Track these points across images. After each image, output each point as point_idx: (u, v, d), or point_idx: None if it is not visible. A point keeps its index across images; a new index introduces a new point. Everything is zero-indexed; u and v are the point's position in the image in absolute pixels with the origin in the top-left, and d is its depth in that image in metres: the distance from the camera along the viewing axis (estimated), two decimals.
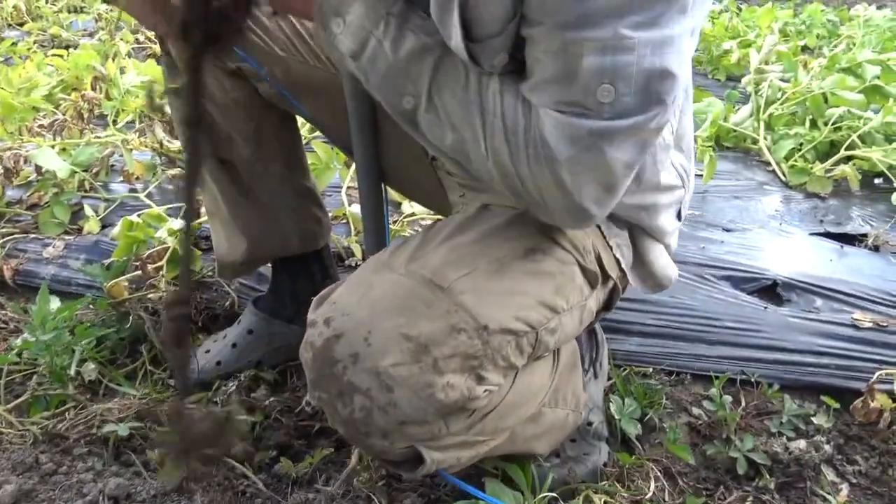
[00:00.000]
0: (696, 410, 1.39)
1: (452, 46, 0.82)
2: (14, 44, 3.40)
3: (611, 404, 1.33)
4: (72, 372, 1.36)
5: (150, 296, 1.57)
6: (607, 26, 0.72)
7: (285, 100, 1.32)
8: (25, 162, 2.03)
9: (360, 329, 0.82)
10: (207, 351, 1.48)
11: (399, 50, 0.83)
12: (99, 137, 2.14)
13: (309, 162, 1.53)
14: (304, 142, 1.56)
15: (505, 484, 1.13)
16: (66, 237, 1.85)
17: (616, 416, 1.32)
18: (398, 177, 1.27)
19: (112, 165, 2.09)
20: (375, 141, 1.13)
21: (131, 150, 2.06)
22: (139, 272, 1.58)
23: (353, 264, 1.77)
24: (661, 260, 1.12)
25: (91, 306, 1.55)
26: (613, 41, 0.73)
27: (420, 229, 1.48)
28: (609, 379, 1.41)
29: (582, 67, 0.74)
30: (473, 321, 0.84)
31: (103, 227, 1.88)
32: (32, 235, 1.85)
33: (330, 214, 1.64)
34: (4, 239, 1.81)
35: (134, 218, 1.72)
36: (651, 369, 1.49)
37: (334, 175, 1.93)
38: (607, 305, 1.11)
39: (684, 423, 1.37)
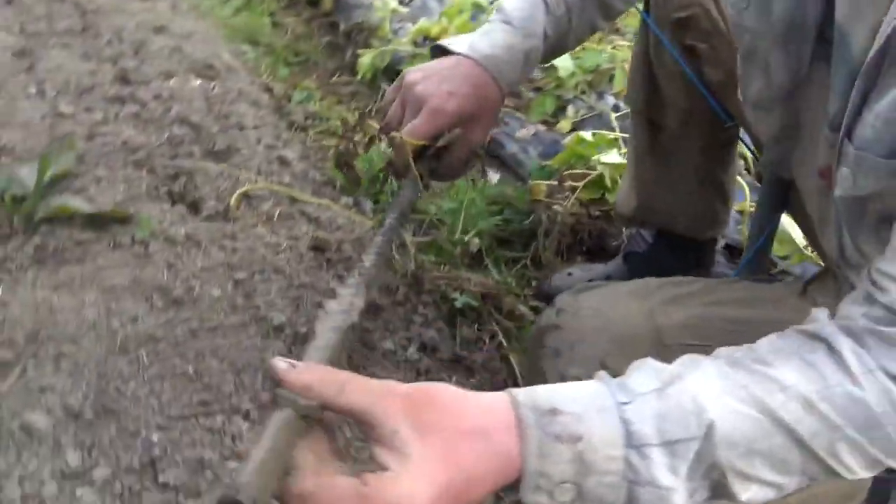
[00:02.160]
0: None
1: None
2: None
3: None
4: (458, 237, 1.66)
5: (555, 206, 1.76)
6: None
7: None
8: None
9: (575, 335, 0.89)
10: (570, 274, 1.65)
11: None
12: (616, 48, 2.31)
13: None
14: None
15: None
16: (541, 126, 2.12)
17: None
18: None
19: (611, 78, 2.26)
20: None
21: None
22: (557, 183, 1.77)
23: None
24: None
25: (511, 191, 1.82)
26: None
27: None
28: None
29: None
30: None
31: (572, 129, 2.10)
32: (520, 114, 2.17)
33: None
34: (504, 111, 2.15)
35: (587, 135, 1.89)
36: None
37: None
38: None
39: None
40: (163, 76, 2.09)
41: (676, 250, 1.54)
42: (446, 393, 0.60)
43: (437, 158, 1.17)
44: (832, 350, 0.62)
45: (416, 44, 2.49)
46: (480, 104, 1.13)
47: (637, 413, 0.59)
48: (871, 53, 0.72)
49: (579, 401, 0.59)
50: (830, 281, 0.96)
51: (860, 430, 0.60)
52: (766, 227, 1.36)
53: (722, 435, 0.59)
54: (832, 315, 0.68)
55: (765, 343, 0.66)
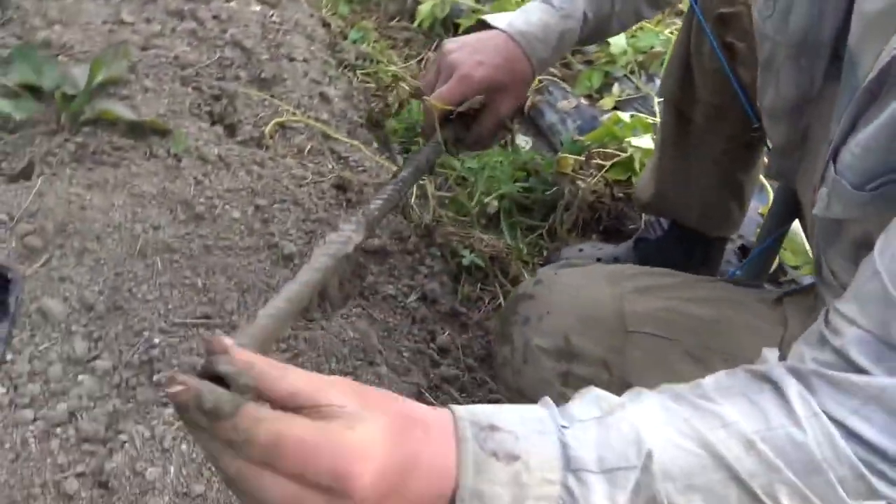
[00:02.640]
0: None
1: None
2: None
3: None
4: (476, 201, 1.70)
5: (579, 181, 1.79)
6: None
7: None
8: None
9: (546, 307, 0.93)
10: (581, 250, 1.68)
11: None
12: (674, 33, 2.28)
13: None
14: None
15: None
16: (584, 100, 2.13)
17: None
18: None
19: (664, 62, 2.24)
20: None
21: None
22: (585, 159, 1.79)
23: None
24: None
25: (539, 160, 1.85)
26: None
27: None
28: None
29: None
30: (619, 378, 0.88)
31: (614, 107, 2.11)
32: (565, 85, 2.17)
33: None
34: (543, 81, 2.16)
35: (625, 116, 1.90)
36: None
37: None
38: None
39: None
40: None
41: (685, 243, 1.55)
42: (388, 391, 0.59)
43: (465, 127, 1.22)
44: (778, 392, 0.61)
45: None
46: (510, 76, 1.17)
47: (576, 438, 0.57)
48: (866, 81, 0.73)
49: (519, 422, 0.58)
50: (810, 298, 0.98)
51: (799, 474, 0.58)
52: (773, 232, 1.38)
53: (661, 466, 0.57)
54: (783, 356, 0.66)
55: (711, 380, 0.64)
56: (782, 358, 0.66)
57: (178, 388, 0.50)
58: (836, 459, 0.58)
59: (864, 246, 0.83)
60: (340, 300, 1.38)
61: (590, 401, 0.61)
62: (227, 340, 0.53)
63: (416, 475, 0.54)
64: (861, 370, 0.58)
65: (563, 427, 0.58)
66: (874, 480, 0.57)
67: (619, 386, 0.89)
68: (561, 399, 0.87)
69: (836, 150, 0.78)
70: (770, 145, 1.45)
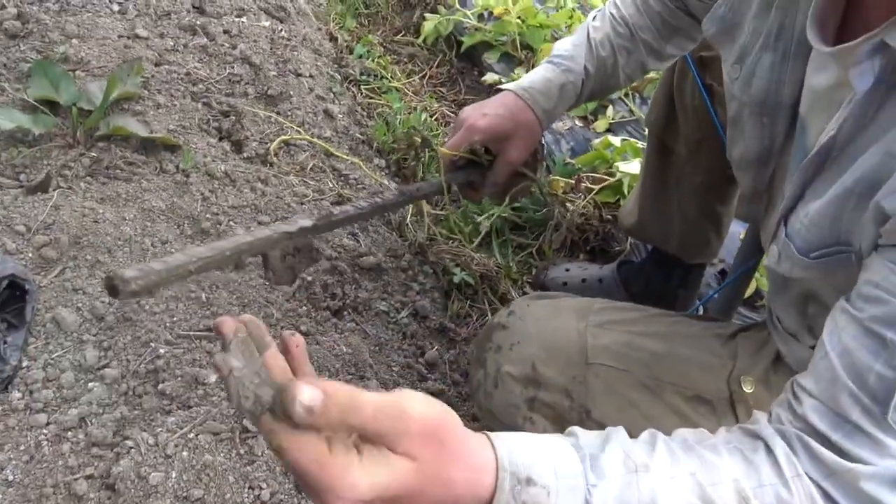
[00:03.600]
0: None
1: None
2: None
3: None
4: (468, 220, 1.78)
5: (568, 203, 1.87)
6: None
7: None
8: None
9: (516, 336, 1.02)
10: (567, 269, 1.76)
11: None
12: None
13: None
14: None
15: None
16: (578, 123, 2.21)
17: None
18: None
19: None
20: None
21: None
22: (575, 182, 1.87)
23: None
24: None
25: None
26: None
27: None
28: None
29: None
30: (580, 406, 0.96)
31: (607, 129, 2.18)
32: None
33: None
34: None
35: (616, 140, 1.97)
36: None
37: None
38: None
39: None
40: (236, 12, 2.23)
41: (665, 268, 1.63)
42: (454, 432, 0.61)
43: (480, 175, 1.32)
44: (769, 451, 0.69)
45: (480, 17, 2.56)
46: (514, 125, 1.28)
47: (601, 497, 0.63)
48: (811, 153, 0.81)
49: (553, 476, 0.62)
50: (763, 333, 1.06)
51: None
52: (747, 261, 1.46)
53: None
54: (769, 417, 0.74)
55: (719, 434, 0.73)
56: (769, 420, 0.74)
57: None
58: None
59: (810, 299, 0.92)
60: (285, 274, 1.48)
61: (617, 454, 0.67)
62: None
63: None
64: (822, 434, 0.67)
65: (592, 486, 0.64)
66: None
67: (578, 412, 0.97)
68: (527, 423, 0.96)
69: (786, 214, 0.86)
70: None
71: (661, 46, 1.33)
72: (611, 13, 1.34)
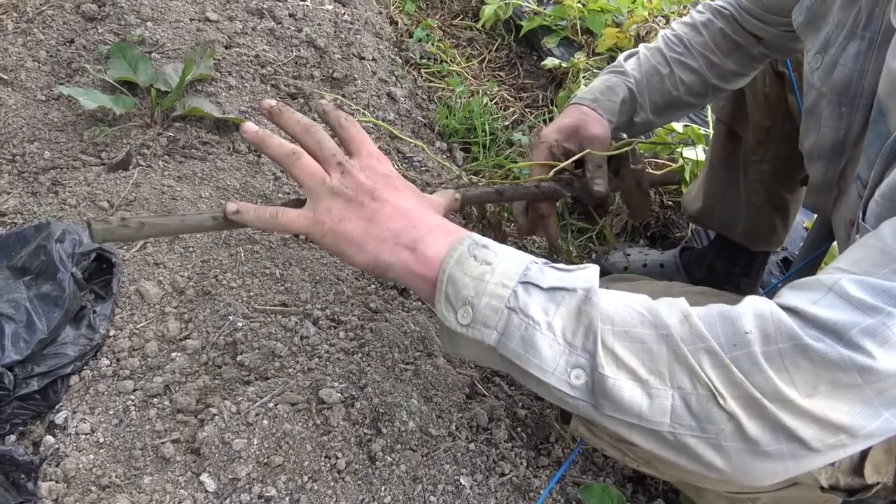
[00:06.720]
0: None
1: None
2: None
3: None
4: None
5: None
6: None
7: None
8: None
9: None
10: (628, 254, 1.78)
11: None
12: None
13: None
14: None
15: None
16: None
17: None
18: None
19: None
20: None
21: None
22: None
23: None
24: None
25: None
26: None
27: None
28: None
29: None
30: None
31: None
32: None
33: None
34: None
35: (678, 126, 1.97)
36: None
37: None
38: None
39: None
40: None
41: (729, 255, 1.63)
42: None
43: (570, 180, 1.30)
44: (735, 301, 0.71)
45: (539, 1, 2.57)
46: (582, 122, 1.28)
47: (541, 271, 0.73)
48: (890, 139, 0.81)
49: (507, 252, 0.75)
50: None
51: (723, 346, 0.66)
52: (814, 250, 1.46)
53: (604, 311, 0.69)
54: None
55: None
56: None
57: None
58: (778, 332, 0.66)
59: None
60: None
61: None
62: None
63: (425, 235, 0.79)
64: (859, 299, 0.65)
65: (534, 262, 0.74)
66: (809, 342, 0.65)
67: None
68: None
69: (867, 201, 0.86)
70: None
71: (723, 62, 1.33)
72: (664, 35, 1.37)
